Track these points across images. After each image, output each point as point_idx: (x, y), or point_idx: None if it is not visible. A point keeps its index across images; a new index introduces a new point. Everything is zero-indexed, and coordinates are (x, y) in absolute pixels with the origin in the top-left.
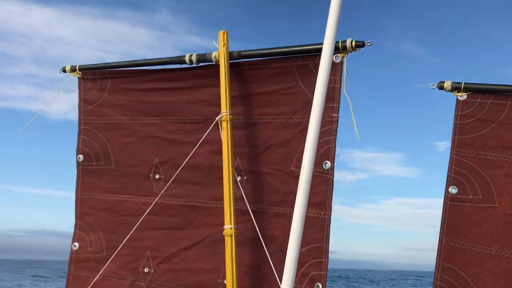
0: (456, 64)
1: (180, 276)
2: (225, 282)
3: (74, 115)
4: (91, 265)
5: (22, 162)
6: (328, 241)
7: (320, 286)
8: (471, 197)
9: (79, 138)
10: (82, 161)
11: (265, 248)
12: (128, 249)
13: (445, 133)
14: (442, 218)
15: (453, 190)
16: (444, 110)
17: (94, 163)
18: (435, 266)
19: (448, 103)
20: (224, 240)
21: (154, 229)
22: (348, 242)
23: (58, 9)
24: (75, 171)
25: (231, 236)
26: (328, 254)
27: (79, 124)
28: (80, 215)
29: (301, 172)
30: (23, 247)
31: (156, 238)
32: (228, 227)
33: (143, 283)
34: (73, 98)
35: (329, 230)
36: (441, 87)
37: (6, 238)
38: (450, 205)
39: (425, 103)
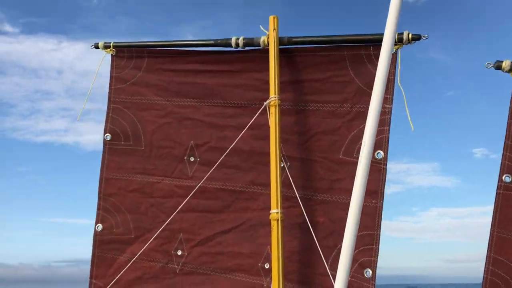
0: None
1: (217, 260)
2: (265, 266)
3: None
4: (117, 247)
5: (58, 194)
6: (380, 229)
7: (370, 271)
8: None
9: (108, 116)
10: (110, 140)
11: (313, 234)
12: (160, 232)
13: (481, 139)
14: (494, 208)
15: (507, 178)
16: (478, 116)
17: (123, 142)
18: (486, 259)
19: (482, 108)
20: (264, 225)
21: (187, 212)
22: (387, 257)
23: (87, 42)
24: None
25: (278, 220)
26: (379, 241)
27: (109, 102)
28: (104, 196)
29: (359, 161)
30: (66, 276)
31: (190, 220)
32: (275, 211)
33: (176, 266)
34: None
35: (381, 218)
36: (498, 67)
37: (51, 269)
38: (503, 194)
39: (457, 110)
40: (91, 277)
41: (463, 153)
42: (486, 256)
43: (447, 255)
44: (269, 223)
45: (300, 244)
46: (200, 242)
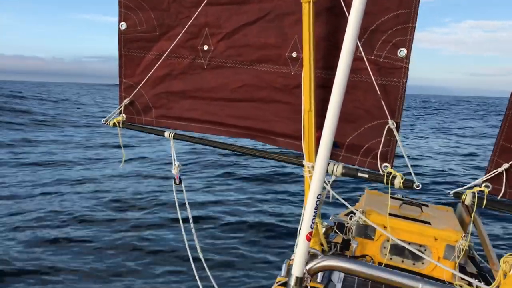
0: None
1: (243, 52)
2: (293, 55)
3: None
4: (143, 45)
5: None
6: (418, 5)
7: (405, 50)
8: None
9: None
10: None
11: (345, 11)
12: (184, 27)
13: None
14: None
15: None
16: None
17: None
18: None
19: None
20: (290, 13)
21: (211, 5)
22: (412, 67)
23: None
24: None
25: (310, 2)
26: (416, 19)
27: None
28: None
29: None
30: (96, 71)
31: (214, 14)
32: None
33: (203, 61)
34: None
35: None
36: None
37: (82, 64)
38: None
39: None
40: (120, 76)
41: None
42: None
43: (472, 68)
44: (295, 12)
45: (328, 30)
46: (225, 35)
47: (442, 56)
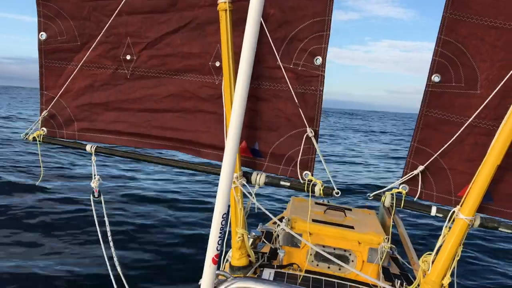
0: None
1: (167, 62)
2: (216, 64)
3: None
4: (64, 56)
5: None
6: (331, 13)
7: (320, 59)
8: None
9: None
10: None
11: (264, 25)
12: (106, 37)
13: None
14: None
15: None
16: None
17: None
18: (436, 42)
19: None
20: (212, 22)
21: (132, 14)
22: (335, 83)
23: None
24: None
25: (226, 10)
26: (330, 27)
27: None
28: (42, 0)
29: None
30: (12, 73)
31: (135, 23)
32: (222, 0)
33: (126, 71)
34: None
35: (333, 2)
36: None
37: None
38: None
39: None
40: (41, 88)
41: None
42: (437, 38)
43: (390, 86)
44: (217, 20)
45: None
46: (148, 45)
47: (363, 73)
